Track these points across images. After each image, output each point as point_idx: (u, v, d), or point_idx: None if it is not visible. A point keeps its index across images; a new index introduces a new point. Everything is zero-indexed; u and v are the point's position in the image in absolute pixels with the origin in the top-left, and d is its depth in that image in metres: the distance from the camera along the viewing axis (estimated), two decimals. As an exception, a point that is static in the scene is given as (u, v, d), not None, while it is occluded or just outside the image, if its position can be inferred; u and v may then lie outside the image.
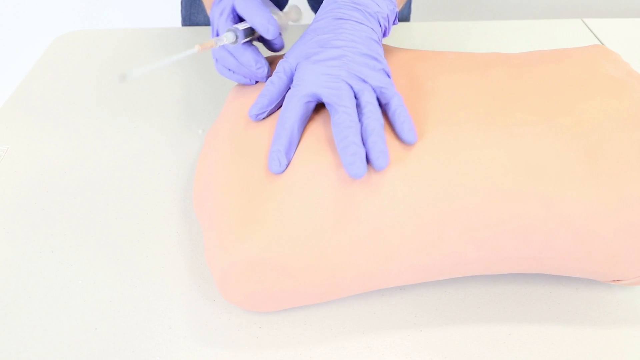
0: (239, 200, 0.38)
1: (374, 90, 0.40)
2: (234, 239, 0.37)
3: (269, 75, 0.45)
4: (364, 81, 0.40)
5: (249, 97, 0.46)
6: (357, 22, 0.42)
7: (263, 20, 0.42)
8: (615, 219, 0.36)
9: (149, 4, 1.38)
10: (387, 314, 0.41)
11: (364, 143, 0.37)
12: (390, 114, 0.39)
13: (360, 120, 0.38)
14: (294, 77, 0.41)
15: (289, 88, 0.42)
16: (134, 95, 0.65)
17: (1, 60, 1.43)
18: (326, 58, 0.40)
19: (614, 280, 0.40)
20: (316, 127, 0.40)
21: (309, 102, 0.40)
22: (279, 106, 0.43)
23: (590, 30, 0.77)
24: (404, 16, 0.86)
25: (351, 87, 0.39)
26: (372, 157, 0.36)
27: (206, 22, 0.81)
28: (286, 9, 0.49)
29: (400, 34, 0.77)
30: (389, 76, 0.41)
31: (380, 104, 0.40)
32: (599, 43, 0.74)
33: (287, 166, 0.38)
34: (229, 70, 0.46)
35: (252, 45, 0.45)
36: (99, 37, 0.77)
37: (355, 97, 0.39)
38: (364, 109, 0.38)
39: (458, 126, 0.39)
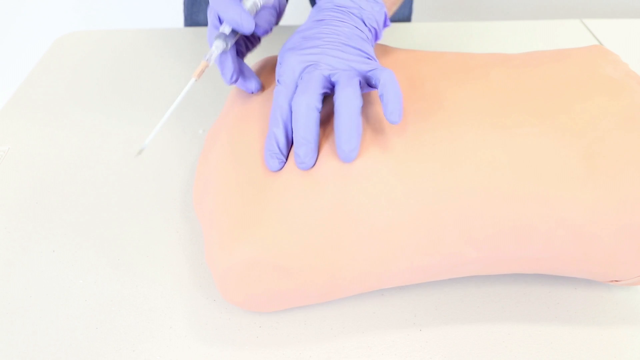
0: (238, 200, 0.38)
1: (360, 75, 0.39)
2: (234, 240, 0.37)
3: (258, 86, 0.45)
4: (349, 67, 0.39)
5: (250, 96, 0.46)
6: (339, 20, 0.42)
7: (235, 16, 0.40)
8: (613, 220, 0.36)
9: (152, 5, 1.38)
10: (387, 314, 0.41)
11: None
12: (379, 90, 0.38)
13: (334, 105, 0.37)
14: (279, 71, 0.41)
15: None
16: (135, 96, 0.65)
17: (2, 61, 1.43)
18: (306, 47, 0.40)
19: (612, 281, 0.41)
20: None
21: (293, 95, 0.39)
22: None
23: (589, 31, 0.77)
24: (405, 16, 0.86)
25: (327, 76, 0.39)
26: (338, 148, 0.36)
27: (207, 22, 0.81)
28: None
29: (401, 34, 0.77)
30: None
31: (371, 85, 0.39)
32: (598, 43, 0.74)
33: (285, 162, 0.38)
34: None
35: (232, 51, 0.43)
36: (100, 38, 0.77)
37: (333, 83, 0.39)
38: (339, 91, 0.37)
39: (457, 127, 0.39)
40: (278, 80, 0.41)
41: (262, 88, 0.46)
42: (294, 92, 0.39)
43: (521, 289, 0.43)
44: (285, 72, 0.40)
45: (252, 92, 0.45)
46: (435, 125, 0.39)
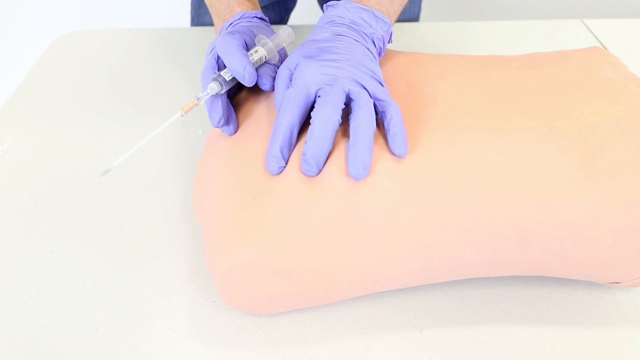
0: (238, 203, 0.38)
1: (371, 96, 0.40)
2: (234, 243, 0.37)
3: (234, 130, 0.44)
4: (362, 86, 0.40)
5: (252, 98, 0.46)
6: (354, 39, 0.43)
7: (238, 67, 0.41)
8: (613, 222, 0.36)
9: (152, 5, 1.38)
10: (387, 315, 0.41)
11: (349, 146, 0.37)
12: (385, 123, 0.39)
13: (350, 123, 0.38)
14: (293, 76, 0.41)
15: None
16: (135, 96, 0.65)
17: (2, 60, 1.43)
18: (325, 59, 0.41)
19: (612, 283, 0.41)
20: None
21: (307, 102, 0.40)
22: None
23: (590, 31, 0.77)
24: (413, 16, 0.86)
25: (347, 92, 0.39)
26: (350, 164, 0.36)
27: (213, 23, 0.81)
28: (277, 34, 0.46)
29: (409, 33, 0.77)
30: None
31: (376, 111, 0.40)
32: (599, 44, 0.74)
33: (284, 167, 0.38)
34: None
35: (224, 97, 0.43)
36: (100, 38, 0.77)
37: (351, 99, 0.39)
38: (358, 110, 0.38)
39: (457, 131, 0.39)
40: (289, 85, 0.41)
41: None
42: (306, 99, 0.39)
43: (521, 290, 0.43)
44: (301, 77, 0.40)
45: (229, 135, 0.44)
46: (434, 129, 0.39)
